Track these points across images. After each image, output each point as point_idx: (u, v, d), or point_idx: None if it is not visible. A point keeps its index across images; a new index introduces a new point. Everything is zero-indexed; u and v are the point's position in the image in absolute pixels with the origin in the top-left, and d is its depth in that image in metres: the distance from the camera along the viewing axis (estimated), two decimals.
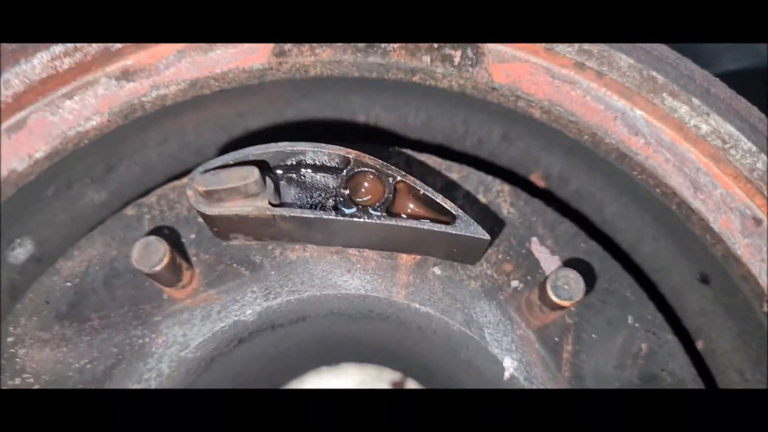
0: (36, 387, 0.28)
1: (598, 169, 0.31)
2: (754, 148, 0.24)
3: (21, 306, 0.29)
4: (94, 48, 0.25)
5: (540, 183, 0.34)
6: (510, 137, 0.32)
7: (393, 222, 0.26)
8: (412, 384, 0.50)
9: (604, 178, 0.30)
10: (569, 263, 0.29)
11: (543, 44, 0.28)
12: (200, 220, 0.29)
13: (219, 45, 0.27)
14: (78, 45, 0.26)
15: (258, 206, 0.25)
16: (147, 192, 0.31)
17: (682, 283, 0.31)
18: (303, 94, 0.29)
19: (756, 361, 0.30)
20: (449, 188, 0.31)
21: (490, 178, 0.31)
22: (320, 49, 0.26)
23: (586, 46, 0.27)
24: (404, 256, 0.29)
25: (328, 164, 0.27)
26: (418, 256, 0.30)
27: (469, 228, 0.26)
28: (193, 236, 0.29)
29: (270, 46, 0.27)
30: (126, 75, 0.26)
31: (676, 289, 0.32)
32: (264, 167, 0.26)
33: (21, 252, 0.33)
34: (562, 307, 0.26)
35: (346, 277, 0.29)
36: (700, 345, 0.33)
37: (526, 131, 0.31)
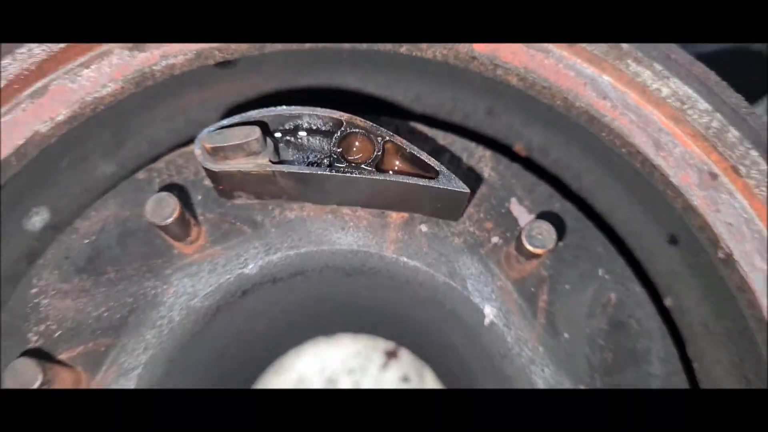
0: (58, 333, 0.31)
1: (575, 142, 0.33)
2: (709, 108, 0.27)
3: (43, 261, 0.32)
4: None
5: (522, 153, 0.36)
6: (494, 112, 0.34)
7: (381, 177, 0.29)
8: (404, 353, 0.53)
9: (581, 150, 0.33)
10: (543, 217, 0.31)
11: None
12: (206, 182, 0.32)
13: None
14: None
15: (259, 163, 0.28)
16: (153, 158, 0.33)
17: (653, 245, 0.34)
18: (300, 65, 0.32)
19: (718, 315, 0.32)
20: (435, 153, 0.33)
21: (473, 144, 0.34)
22: None
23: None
24: (393, 214, 0.32)
25: (323, 128, 0.29)
26: (406, 215, 0.32)
27: (451, 182, 0.28)
28: (199, 197, 0.32)
29: None
30: (137, 46, 0.29)
31: (647, 251, 0.34)
32: (265, 129, 0.28)
33: (38, 220, 0.35)
34: (536, 256, 0.29)
35: (340, 234, 0.32)
36: (668, 302, 0.35)
37: (510, 106, 0.34)
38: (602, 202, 0.32)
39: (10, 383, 0.27)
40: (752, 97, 0.54)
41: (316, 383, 0.52)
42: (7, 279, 0.34)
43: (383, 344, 0.53)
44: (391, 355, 0.52)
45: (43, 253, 0.33)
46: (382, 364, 0.53)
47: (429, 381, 0.52)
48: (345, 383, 0.52)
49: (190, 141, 0.33)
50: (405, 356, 0.53)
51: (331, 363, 0.53)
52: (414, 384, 0.52)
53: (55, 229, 0.35)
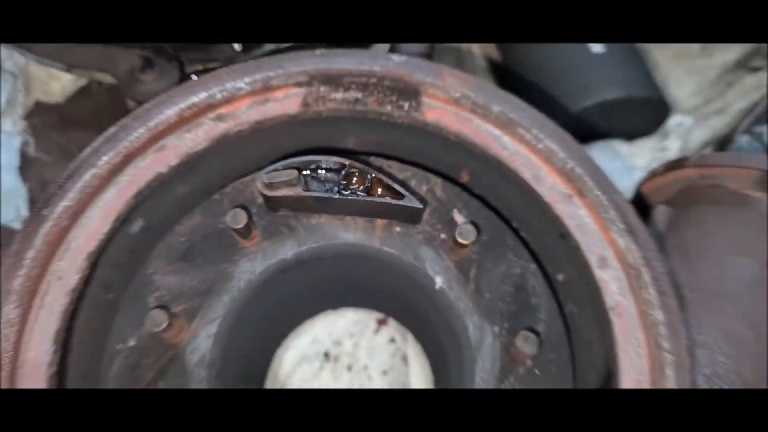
0: (167, 298, 0.48)
1: (494, 174, 0.50)
2: (565, 156, 0.44)
3: (155, 252, 0.49)
4: (203, 102, 0.44)
5: (465, 179, 0.53)
6: (445, 154, 0.51)
7: (370, 199, 0.45)
8: (392, 322, 0.70)
9: (498, 178, 0.50)
10: (473, 221, 0.48)
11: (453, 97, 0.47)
12: (259, 201, 0.49)
13: (271, 100, 0.46)
14: (193, 101, 0.45)
15: (295, 191, 0.45)
16: (223, 186, 0.50)
17: (549, 241, 0.51)
18: (317, 126, 0.48)
19: (581, 284, 0.49)
20: (404, 180, 0.50)
21: (429, 174, 0.51)
22: (330, 103, 0.45)
23: (480, 101, 0.46)
24: (378, 221, 0.49)
25: (334, 168, 0.46)
26: (386, 221, 0.49)
27: (412, 201, 0.45)
28: (254, 210, 0.49)
29: (299, 100, 0.46)
30: (220, 118, 0.45)
31: (544, 243, 0.51)
32: (299, 169, 0.45)
33: (135, 226, 0.52)
34: (465, 246, 0.46)
35: (345, 233, 0.49)
36: (560, 277, 0.52)
37: (455, 151, 0.51)
38: (512, 213, 0.49)
39: (148, 326, 0.44)
40: (635, 136, 0.72)
41: (327, 344, 0.69)
42: (119, 266, 0.50)
43: (375, 315, 0.71)
44: (381, 322, 0.69)
45: (140, 250, 0.50)
46: (375, 329, 0.70)
47: (410, 339, 0.69)
48: (347, 344, 0.70)
49: (244, 175, 0.50)
50: (392, 323, 0.70)
51: (337, 329, 0.70)
52: (398, 342, 0.69)
53: (144, 232, 0.51)
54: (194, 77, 0.58)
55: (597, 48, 0.68)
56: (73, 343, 0.43)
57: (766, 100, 0.81)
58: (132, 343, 0.46)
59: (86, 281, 0.43)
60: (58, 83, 0.79)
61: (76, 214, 0.43)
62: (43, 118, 0.79)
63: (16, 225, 0.71)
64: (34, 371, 0.40)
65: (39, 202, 0.41)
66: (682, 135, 0.74)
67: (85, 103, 0.80)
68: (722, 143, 0.80)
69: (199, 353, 0.47)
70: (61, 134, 0.79)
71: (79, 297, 0.43)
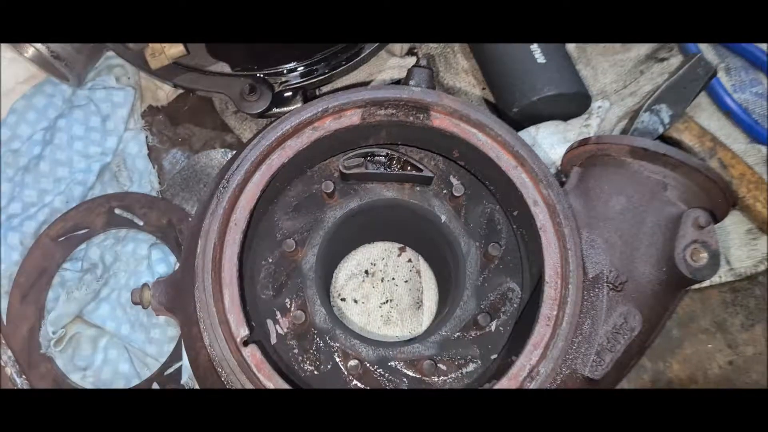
0: (287, 234, 0.79)
1: (475, 155, 0.81)
2: (513, 144, 0.76)
3: (277, 206, 0.80)
4: (306, 120, 0.74)
5: (456, 156, 0.84)
6: (446, 141, 0.83)
7: (401, 172, 0.77)
8: (408, 249, 1.02)
9: (478, 156, 0.81)
10: (462, 182, 0.80)
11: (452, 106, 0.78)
12: (336, 174, 0.79)
13: (343, 116, 0.76)
14: (300, 119, 0.75)
15: (361, 169, 0.76)
16: (314, 165, 0.81)
17: (506, 192, 0.83)
18: (370, 129, 0.79)
19: (528, 222, 0.81)
20: (419, 160, 0.82)
21: (435, 155, 0.82)
22: (377, 116, 0.76)
23: (465, 113, 0.77)
24: (406, 184, 0.79)
25: (381, 154, 0.76)
26: (411, 184, 0.80)
27: (425, 172, 0.77)
28: (335, 180, 0.79)
29: (359, 115, 0.76)
30: (315, 129, 0.74)
31: (504, 194, 0.84)
32: (363, 156, 0.76)
33: (269, 192, 0.83)
34: (458, 197, 0.78)
35: (387, 192, 0.77)
36: (514, 213, 0.85)
37: (451, 140, 0.81)
38: (485, 176, 0.81)
39: (283, 248, 0.76)
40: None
41: (366, 265, 1.01)
42: (260, 215, 0.80)
43: (397, 245, 1.02)
44: (402, 249, 1.01)
45: (272, 204, 0.80)
46: (398, 254, 1.02)
47: (421, 260, 1.01)
48: (380, 264, 1.01)
49: (326, 159, 0.80)
50: (409, 250, 1.02)
51: (372, 255, 0.92)
52: (414, 262, 1.02)
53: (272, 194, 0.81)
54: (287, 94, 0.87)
55: (541, 59, 0.99)
56: (244, 259, 0.74)
57: (667, 81, 1.09)
58: (271, 259, 0.78)
59: (248, 225, 0.74)
60: (162, 92, 1.08)
61: (241, 187, 0.73)
62: (154, 117, 1.09)
63: (154, 193, 1.02)
64: (229, 266, 0.68)
65: (222, 182, 0.73)
66: (600, 115, 1.04)
67: (182, 105, 1.09)
68: (632, 118, 1.09)
69: (309, 264, 0.78)
70: (168, 128, 1.09)
71: (245, 234, 0.74)
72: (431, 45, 1.03)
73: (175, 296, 0.72)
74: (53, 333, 0.90)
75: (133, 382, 0.87)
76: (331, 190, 0.73)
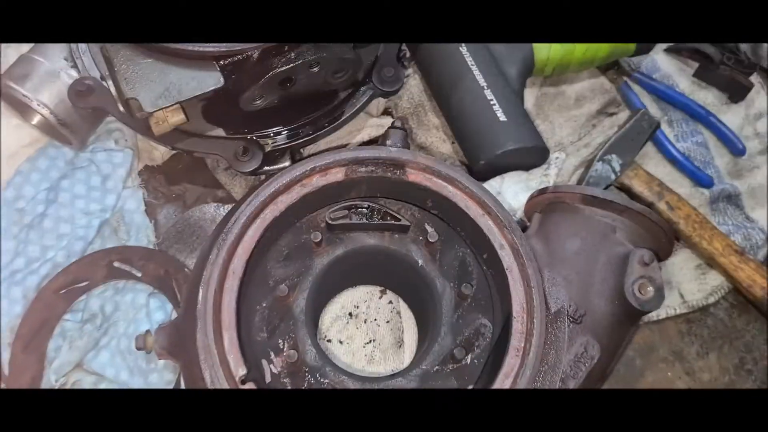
0: (278, 279, 0.87)
1: (447, 204, 0.91)
2: (480, 195, 0.86)
3: (269, 255, 0.87)
4: (296, 178, 0.84)
5: (429, 206, 0.94)
6: (420, 193, 0.92)
7: (381, 221, 0.85)
8: (389, 292, 1.09)
9: (449, 206, 0.91)
10: (437, 231, 0.89)
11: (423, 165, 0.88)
12: (323, 225, 0.88)
13: (329, 174, 0.85)
14: (291, 177, 0.84)
15: (345, 220, 0.85)
16: (302, 217, 0.90)
17: (475, 238, 0.93)
18: (352, 184, 0.88)
19: (496, 264, 0.91)
20: (398, 210, 0.91)
21: (410, 205, 0.91)
22: (359, 173, 0.85)
23: (436, 168, 0.87)
24: (386, 231, 0.84)
25: (364, 206, 0.86)
26: (390, 232, 0.88)
27: (403, 221, 0.86)
28: (321, 230, 0.89)
29: (342, 173, 0.86)
30: (303, 185, 0.84)
31: (474, 239, 0.94)
32: (347, 208, 0.85)
33: (261, 243, 0.91)
34: (432, 243, 0.87)
35: (368, 239, 0.87)
36: (484, 256, 0.94)
37: (425, 192, 0.91)
38: (456, 224, 0.90)
39: (276, 293, 0.84)
40: None
41: (349, 308, 1.07)
42: (254, 264, 0.88)
43: (378, 288, 1.08)
44: (383, 292, 1.08)
45: (265, 253, 0.89)
46: (378, 296, 1.08)
47: (401, 301, 1.09)
48: (363, 307, 1.09)
49: (313, 211, 0.90)
50: (389, 293, 1.09)
51: (355, 298, 0.95)
52: (394, 303, 1.10)
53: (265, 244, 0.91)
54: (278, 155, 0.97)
55: (503, 118, 1.10)
56: (241, 304, 0.82)
57: (617, 134, 1.05)
58: (264, 304, 0.85)
59: (244, 273, 0.82)
60: (158, 152, 1.16)
61: (238, 239, 0.81)
62: (150, 176, 1.17)
63: (151, 246, 1.09)
64: (228, 312, 0.73)
65: (221, 234, 0.81)
66: (558, 165, 1.14)
67: (176, 164, 1.17)
68: (587, 167, 1.21)
69: (300, 307, 0.84)
70: (163, 185, 1.17)
71: (241, 282, 0.82)
72: (404, 105, 1.14)
73: (176, 341, 0.79)
74: (55, 381, 0.95)
75: None
76: (318, 240, 0.81)
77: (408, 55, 1.03)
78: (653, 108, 1.10)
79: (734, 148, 1.06)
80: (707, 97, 1.10)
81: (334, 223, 0.77)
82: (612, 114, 1.13)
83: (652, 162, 1.07)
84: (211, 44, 0.77)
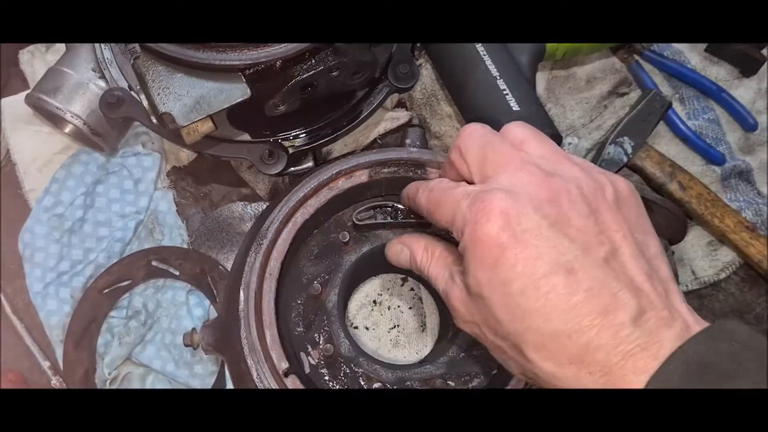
0: (310, 277, 0.93)
1: None
2: None
3: (300, 254, 0.93)
4: (324, 181, 0.89)
5: None
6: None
7: (404, 219, 0.91)
8: (410, 279, 1.13)
9: None
10: None
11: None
12: (349, 224, 0.92)
13: (353, 176, 0.90)
14: (319, 181, 0.89)
15: (371, 220, 0.90)
16: (329, 218, 0.95)
17: None
18: (376, 185, 0.93)
19: None
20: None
21: None
22: (382, 174, 0.90)
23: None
24: (408, 228, 0.95)
25: (389, 205, 0.91)
26: (412, 228, 0.94)
27: (423, 218, 0.92)
28: (348, 229, 0.94)
29: (367, 174, 0.90)
30: (331, 188, 0.88)
31: None
32: (372, 208, 0.90)
33: (295, 244, 0.97)
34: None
35: (392, 236, 0.94)
36: None
37: None
38: None
39: (310, 291, 0.90)
40: None
41: (373, 296, 1.10)
42: (288, 263, 0.94)
43: (401, 276, 1.06)
44: (404, 279, 1.10)
45: (297, 253, 0.94)
46: (401, 284, 1.08)
47: (422, 288, 1.14)
48: (385, 295, 1.13)
49: (340, 211, 0.95)
50: (411, 280, 1.11)
51: (378, 286, 0.98)
52: (416, 290, 1.15)
53: (297, 244, 0.97)
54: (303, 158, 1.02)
55: (516, 107, 1.14)
56: (279, 303, 0.88)
57: (628, 116, 1.05)
58: (300, 300, 0.91)
59: (280, 274, 0.88)
60: (184, 153, 1.21)
61: (273, 243, 0.86)
62: (177, 176, 1.22)
63: (184, 245, 1.16)
64: (268, 311, 0.77)
65: (256, 239, 0.86)
66: (571, 150, 1.19)
67: (202, 164, 1.22)
68: (599, 150, 1.07)
69: (332, 303, 0.89)
70: (191, 185, 1.23)
71: (278, 283, 0.87)
72: (417, 96, 1.18)
73: (221, 337, 0.86)
74: (108, 374, 1.03)
75: None
76: (347, 240, 0.86)
77: (419, 45, 1.06)
78: (664, 86, 1.11)
79: (746, 123, 1.08)
80: (719, 73, 1.11)
81: (361, 223, 0.82)
82: (623, 94, 1.13)
83: (663, 141, 1.09)
84: (236, 56, 0.81)
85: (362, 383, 0.78)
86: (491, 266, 0.49)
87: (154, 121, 0.91)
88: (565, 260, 0.48)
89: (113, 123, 1.05)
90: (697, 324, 0.48)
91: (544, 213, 0.50)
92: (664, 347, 0.45)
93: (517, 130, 0.56)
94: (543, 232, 0.49)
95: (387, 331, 0.96)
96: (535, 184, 0.51)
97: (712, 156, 1.08)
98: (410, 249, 0.67)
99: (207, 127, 0.89)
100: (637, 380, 0.44)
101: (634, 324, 0.46)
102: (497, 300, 0.49)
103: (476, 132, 0.56)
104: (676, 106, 1.11)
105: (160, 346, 1.04)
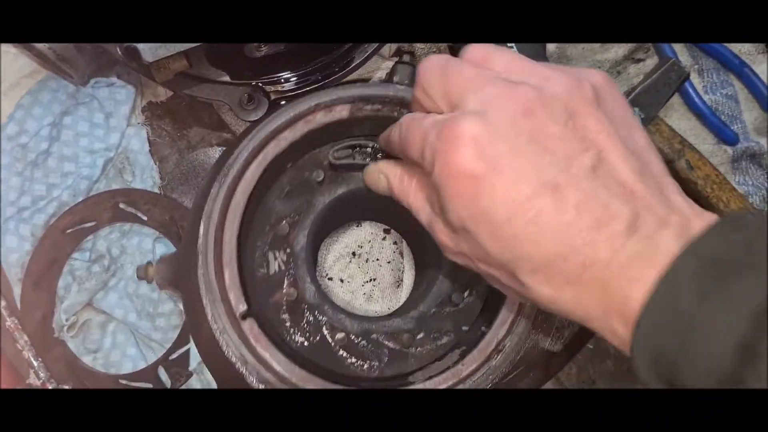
0: (279, 216, 0.86)
1: None
2: None
3: (270, 191, 0.87)
4: (299, 114, 0.82)
5: None
6: None
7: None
8: (393, 232, 1.07)
9: None
10: None
11: None
12: (326, 163, 0.85)
13: (333, 111, 0.83)
14: (294, 113, 0.82)
15: (348, 159, 0.83)
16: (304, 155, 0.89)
17: None
18: (357, 123, 0.86)
19: None
20: None
21: None
22: (364, 111, 0.83)
23: None
24: None
25: (368, 145, 0.85)
26: None
27: None
28: (324, 168, 0.87)
29: (348, 110, 0.83)
30: (307, 122, 0.81)
31: None
32: (350, 147, 0.84)
33: (264, 179, 0.91)
34: None
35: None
36: None
37: None
38: None
39: (277, 230, 0.84)
40: None
41: (353, 247, 1.06)
42: (256, 199, 0.87)
43: (383, 227, 1.03)
44: (387, 231, 1.06)
45: (267, 190, 0.88)
46: (383, 237, 1.06)
47: (404, 243, 1.09)
48: (366, 246, 1.08)
49: (315, 148, 0.88)
50: (393, 233, 1.09)
51: (359, 237, 0.96)
52: (398, 244, 1.09)
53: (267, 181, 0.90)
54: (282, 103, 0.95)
55: None
56: (242, 240, 0.81)
57: (641, 85, 1.00)
58: (266, 239, 0.85)
59: (245, 208, 0.81)
60: (162, 89, 1.15)
61: (240, 174, 0.78)
62: (153, 112, 1.16)
63: (155, 190, 1.09)
64: (229, 247, 0.70)
65: (222, 170, 0.80)
66: None
67: (181, 101, 1.16)
68: None
69: (300, 245, 0.84)
70: (167, 124, 1.16)
71: (243, 217, 0.80)
72: (418, 45, 1.11)
73: (178, 274, 0.80)
74: (66, 320, 0.97)
75: (140, 365, 0.95)
76: (321, 179, 0.80)
77: None
78: (684, 54, 1.05)
79: (765, 102, 1.02)
80: (743, 45, 1.04)
81: (338, 162, 0.76)
82: (639, 60, 1.08)
83: (676, 114, 1.04)
84: None
85: (326, 332, 0.72)
86: (470, 200, 0.46)
87: (120, 52, 0.84)
88: (548, 177, 0.44)
89: (81, 49, 0.99)
90: (695, 216, 0.45)
91: (518, 129, 0.46)
92: (659, 251, 0.42)
93: (476, 48, 0.53)
94: (521, 150, 0.45)
95: (361, 285, 0.91)
96: (504, 97, 0.47)
97: (725, 135, 1.02)
98: (387, 177, 0.61)
99: (180, 64, 0.83)
100: (633, 290, 0.42)
101: (629, 232, 0.43)
102: (483, 232, 0.47)
103: (434, 62, 0.53)
104: (694, 78, 1.06)
105: (122, 294, 0.98)
